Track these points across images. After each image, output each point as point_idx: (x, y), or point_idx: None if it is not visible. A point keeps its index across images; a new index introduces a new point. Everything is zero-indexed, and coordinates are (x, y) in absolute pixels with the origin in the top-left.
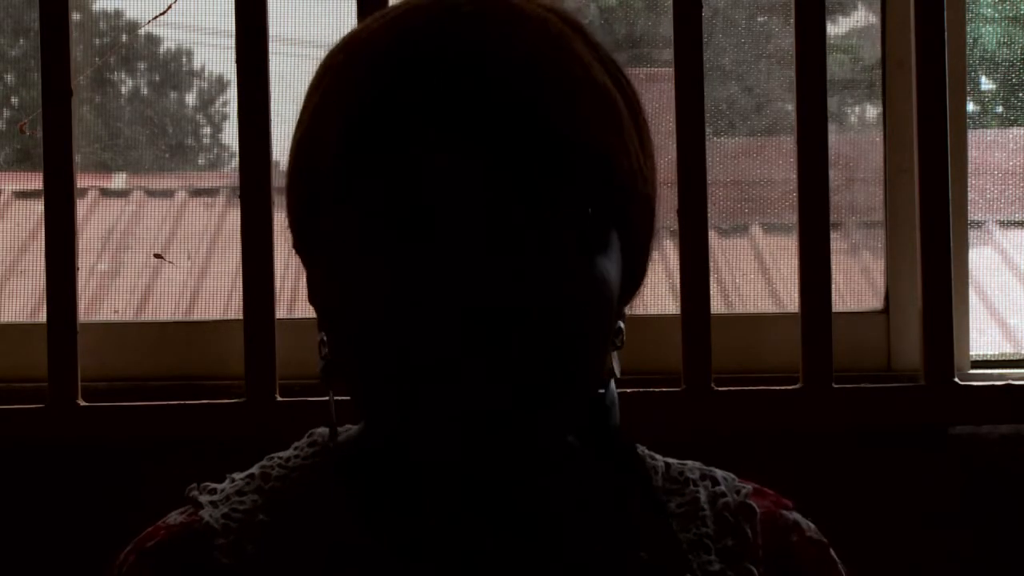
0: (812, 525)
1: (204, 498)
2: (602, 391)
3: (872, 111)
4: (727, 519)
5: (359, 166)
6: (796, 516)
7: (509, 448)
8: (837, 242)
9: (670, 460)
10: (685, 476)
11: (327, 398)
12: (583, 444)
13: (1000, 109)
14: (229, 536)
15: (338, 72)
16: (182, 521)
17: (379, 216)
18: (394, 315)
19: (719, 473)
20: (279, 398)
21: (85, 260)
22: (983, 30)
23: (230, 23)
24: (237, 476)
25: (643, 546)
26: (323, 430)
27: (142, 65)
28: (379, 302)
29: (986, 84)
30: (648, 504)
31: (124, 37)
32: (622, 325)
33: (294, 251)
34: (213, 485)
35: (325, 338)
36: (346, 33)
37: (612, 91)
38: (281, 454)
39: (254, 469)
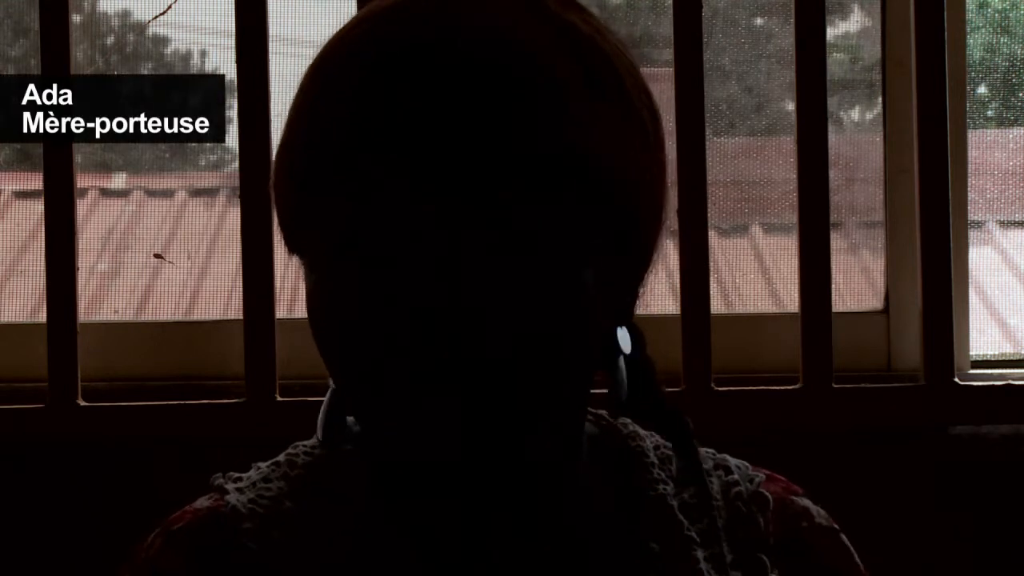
0: (822, 511)
1: (230, 485)
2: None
3: (872, 111)
4: (740, 508)
5: (315, 193)
6: (806, 503)
7: (470, 457)
8: (837, 242)
9: None
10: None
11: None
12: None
13: (999, 109)
14: (255, 521)
15: (303, 89)
16: (208, 506)
17: (335, 243)
18: (345, 332)
19: (732, 461)
20: (279, 398)
21: (85, 260)
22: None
23: (230, 23)
24: (263, 465)
25: (654, 537)
26: (349, 419)
27: (141, 64)
28: (333, 320)
29: (986, 84)
30: (690, 466)
31: (123, 37)
32: (630, 300)
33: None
34: (239, 474)
35: None
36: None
37: (582, 94)
38: (307, 442)
39: (280, 457)
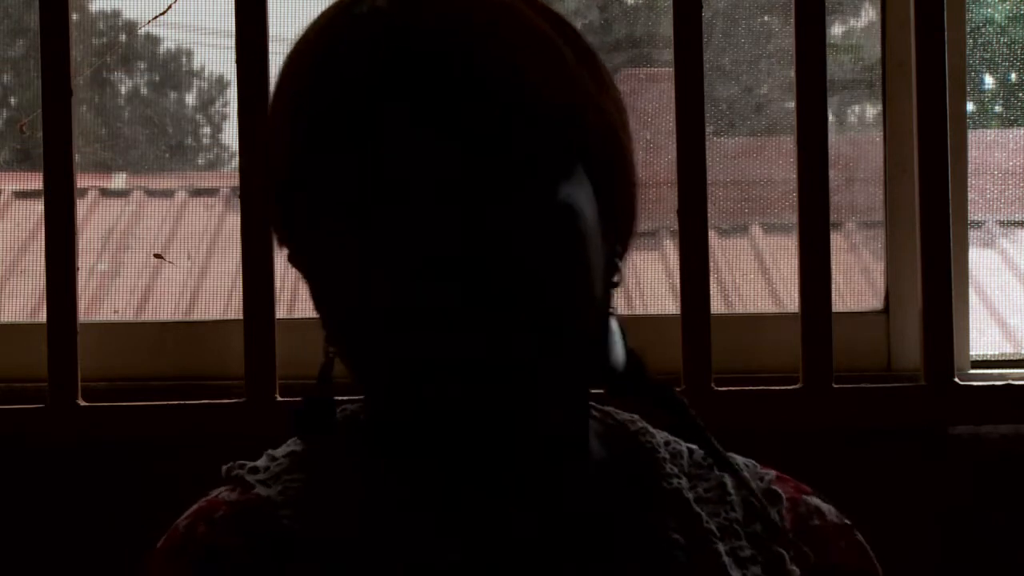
0: (834, 509)
1: (251, 477)
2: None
3: (872, 111)
4: (753, 504)
5: (326, 147)
6: (817, 501)
7: (488, 394)
8: (837, 242)
9: (692, 445)
10: (709, 462)
11: (327, 398)
12: (611, 390)
13: (999, 109)
14: (291, 508)
15: (291, 70)
16: (237, 499)
17: (347, 189)
18: (363, 273)
19: (740, 459)
20: (279, 398)
21: (85, 260)
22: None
23: (230, 23)
24: (276, 453)
25: (674, 528)
26: (346, 407)
27: (142, 65)
28: (352, 262)
29: (987, 83)
30: (694, 437)
31: (123, 37)
32: (619, 262)
33: (290, 264)
34: (252, 464)
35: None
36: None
37: (553, 39)
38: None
39: (292, 447)
